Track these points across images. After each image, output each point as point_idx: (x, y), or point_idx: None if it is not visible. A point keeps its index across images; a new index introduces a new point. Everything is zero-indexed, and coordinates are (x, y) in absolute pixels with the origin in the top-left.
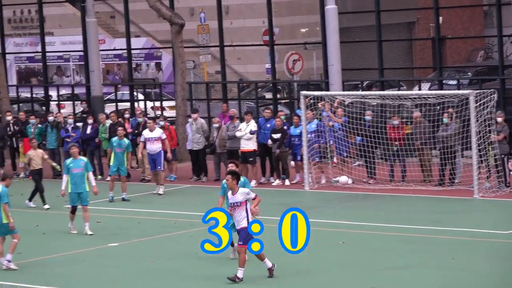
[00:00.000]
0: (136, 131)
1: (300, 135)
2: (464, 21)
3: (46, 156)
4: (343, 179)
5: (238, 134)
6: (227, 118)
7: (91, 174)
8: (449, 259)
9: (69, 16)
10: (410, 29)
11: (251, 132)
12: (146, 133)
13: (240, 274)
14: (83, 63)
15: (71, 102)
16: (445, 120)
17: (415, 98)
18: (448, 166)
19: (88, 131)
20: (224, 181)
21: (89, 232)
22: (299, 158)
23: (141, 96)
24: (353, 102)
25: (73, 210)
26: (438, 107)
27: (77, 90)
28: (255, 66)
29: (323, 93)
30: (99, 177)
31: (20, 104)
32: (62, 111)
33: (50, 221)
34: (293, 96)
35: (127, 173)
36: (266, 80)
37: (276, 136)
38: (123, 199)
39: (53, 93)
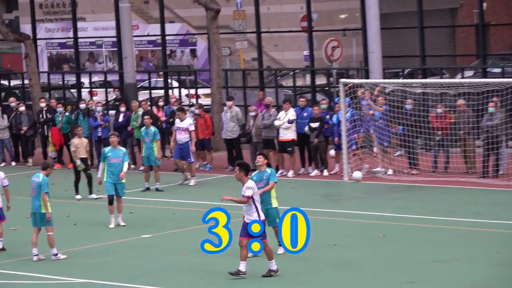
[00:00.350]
0: (170, 120)
1: (338, 124)
2: (509, 7)
3: (88, 148)
4: (356, 174)
5: (276, 123)
6: (263, 107)
7: (126, 164)
8: (494, 253)
9: (102, 1)
10: (453, 15)
11: (289, 121)
12: (177, 122)
13: (242, 268)
14: (116, 49)
15: (104, 89)
16: (491, 109)
17: (458, 86)
18: (492, 157)
19: (120, 119)
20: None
21: (122, 223)
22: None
23: (175, 84)
24: (394, 91)
25: (111, 201)
26: (482, 96)
27: (110, 77)
28: (293, 53)
29: (363, 80)
30: (132, 166)
31: (52, 91)
32: (94, 98)
33: (81, 212)
34: (331, 83)
35: (158, 162)
36: (304, 67)
37: (314, 125)
38: (157, 189)
39: (85, 80)
